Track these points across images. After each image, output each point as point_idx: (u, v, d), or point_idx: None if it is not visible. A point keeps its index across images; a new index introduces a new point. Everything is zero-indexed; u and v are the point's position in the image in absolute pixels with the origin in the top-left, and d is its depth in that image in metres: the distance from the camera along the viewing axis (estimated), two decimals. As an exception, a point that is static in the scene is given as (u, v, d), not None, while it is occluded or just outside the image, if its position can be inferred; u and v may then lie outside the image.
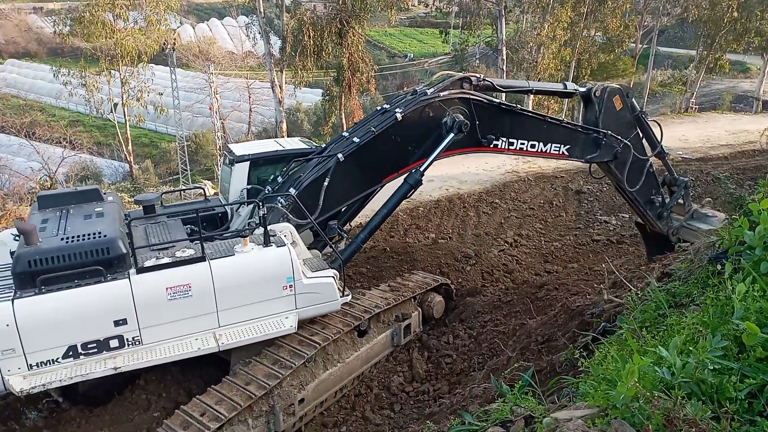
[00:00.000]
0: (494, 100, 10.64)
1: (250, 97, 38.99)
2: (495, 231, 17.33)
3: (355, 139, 9.97)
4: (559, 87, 11.87)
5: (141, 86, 27.45)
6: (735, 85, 45.59)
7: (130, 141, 28.39)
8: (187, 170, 27.39)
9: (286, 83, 28.80)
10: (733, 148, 23.89)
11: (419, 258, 14.12)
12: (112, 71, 26.50)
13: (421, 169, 10.17)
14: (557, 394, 4.38)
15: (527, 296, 11.12)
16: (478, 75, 10.66)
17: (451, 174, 20.80)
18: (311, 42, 24.66)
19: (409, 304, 10.71)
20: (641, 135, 11.84)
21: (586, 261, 15.40)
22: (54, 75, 28.00)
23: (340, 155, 9.74)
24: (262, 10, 26.21)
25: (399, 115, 9.88)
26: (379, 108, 11.02)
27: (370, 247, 15.22)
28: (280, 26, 26.66)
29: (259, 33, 27.23)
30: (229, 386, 8.18)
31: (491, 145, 10.53)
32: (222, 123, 34.92)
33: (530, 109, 12.11)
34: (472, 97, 10.27)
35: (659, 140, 12.20)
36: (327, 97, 29.93)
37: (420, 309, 10.96)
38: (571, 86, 11.54)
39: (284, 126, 27.65)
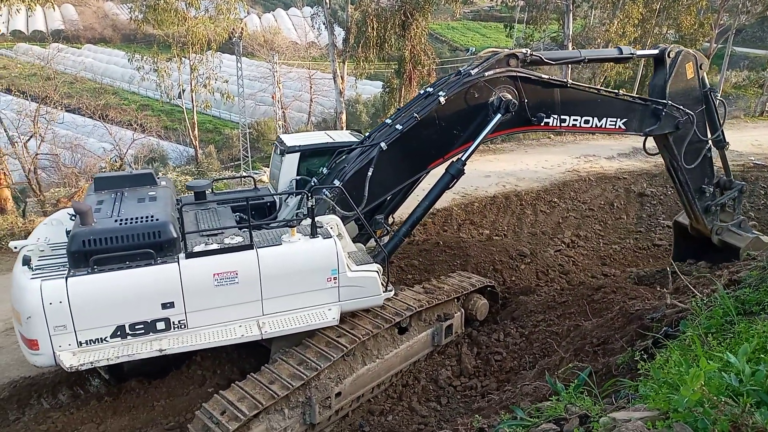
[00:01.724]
0: (543, 76, 10.21)
1: (311, 88, 39.45)
2: (552, 230, 17.02)
3: (398, 126, 9.72)
4: (614, 53, 11.25)
5: (209, 73, 28.24)
6: (818, 89, 42.81)
7: (196, 126, 29.28)
8: (248, 157, 28.00)
9: (347, 75, 29.00)
10: (813, 156, 22.59)
11: (472, 254, 14.02)
12: (183, 58, 27.35)
13: (464, 157, 9.88)
14: (614, 396, 4.29)
15: (583, 298, 10.86)
16: (524, 50, 10.17)
17: (509, 170, 20.56)
18: (374, 34, 24.68)
19: (451, 305, 10.48)
20: (705, 116, 11.30)
21: (646, 265, 14.94)
22: (129, 60, 29.14)
23: (383, 144, 9.54)
24: (327, 1, 26.46)
25: (442, 99, 9.56)
26: (421, 92, 10.74)
27: (422, 240, 15.24)
28: (344, 17, 26.84)
29: (324, 24, 27.49)
30: (255, 381, 8.13)
31: (542, 123, 10.14)
32: (283, 112, 35.54)
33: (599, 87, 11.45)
34: (519, 74, 9.86)
35: (721, 124, 11.60)
36: (387, 89, 29.97)
37: (463, 310, 10.74)
38: (627, 50, 10.92)
39: (344, 117, 27.86)
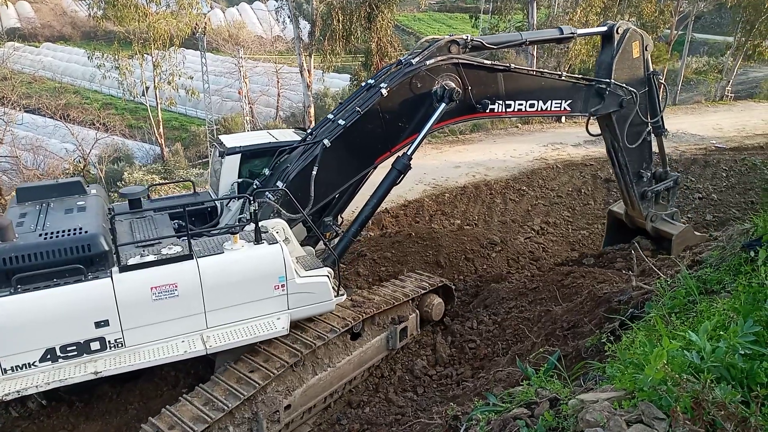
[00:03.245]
0: (485, 61, 10.00)
1: (278, 82, 39.11)
2: (522, 218, 17.23)
3: (341, 122, 9.31)
4: (554, 33, 11.14)
5: (172, 70, 27.77)
6: (774, 73, 44.16)
7: (161, 124, 28.80)
8: (215, 153, 27.71)
9: (314, 68, 28.83)
10: (770, 138, 23.30)
11: (444, 244, 14.11)
12: (145, 55, 26.84)
13: (409, 152, 9.59)
14: (583, 378, 4.38)
15: (553, 283, 11.04)
16: (465, 36, 9.93)
17: (478, 160, 20.71)
18: (340, 26, 24.58)
19: (405, 306, 10.14)
20: (647, 99, 11.51)
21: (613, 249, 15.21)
22: (89, 58, 28.48)
23: (326, 141, 9.10)
24: (291, -6, 26.28)
25: (384, 91, 9.21)
26: (363, 84, 10.37)
27: (395, 232, 15.28)
28: (309, 10, 26.65)
29: (289, 17, 27.29)
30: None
31: (487, 110, 9.95)
32: (251, 107, 35.17)
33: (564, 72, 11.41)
34: (461, 60, 9.65)
35: (662, 109, 11.80)
36: (355, 82, 29.92)
37: (417, 311, 10.42)
38: (567, 30, 10.89)
39: (312, 110, 27.73)
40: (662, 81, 11.87)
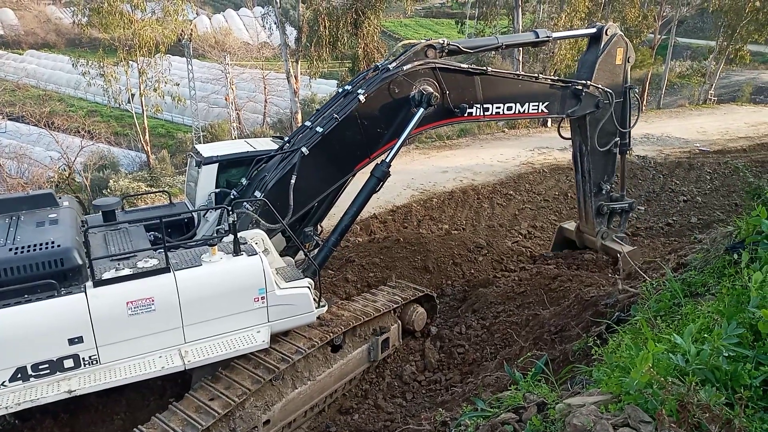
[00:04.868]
0: (462, 65, 10.02)
1: (265, 88, 38.99)
2: (509, 222, 17.30)
3: (319, 129, 9.23)
4: (530, 37, 11.20)
5: (158, 77, 27.59)
6: (755, 76, 44.83)
7: (147, 131, 28.58)
8: (202, 160, 27.50)
9: (301, 74, 28.80)
10: (752, 141, 23.67)
11: (432, 249, 14.12)
12: (130, 62, 26.70)
13: (388, 159, 9.51)
14: (570, 382, 4.39)
15: (540, 287, 11.08)
16: (441, 40, 9.92)
17: (465, 165, 20.79)
18: (327, 32, 24.62)
19: (387, 317, 10.01)
20: (620, 110, 11.65)
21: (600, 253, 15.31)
22: (73, 65, 28.20)
23: (304, 149, 8.99)
24: (278, 0, 26.26)
25: (362, 97, 9.15)
26: (340, 90, 10.32)
27: (383, 237, 15.28)
28: (295, 17, 26.67)
29: (275, 23, 27.28)
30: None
31: (465, 114, 9.95)
32: (237, 114, 35.04)
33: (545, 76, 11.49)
34: (438, 65, 9.64)
35: (631, 125, 11.92)
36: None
37: (400, 321, 10.25)
38: (543, 33, 10.99)
39: (299, 116, 27.69)
40: (638, 96, 12.02)
